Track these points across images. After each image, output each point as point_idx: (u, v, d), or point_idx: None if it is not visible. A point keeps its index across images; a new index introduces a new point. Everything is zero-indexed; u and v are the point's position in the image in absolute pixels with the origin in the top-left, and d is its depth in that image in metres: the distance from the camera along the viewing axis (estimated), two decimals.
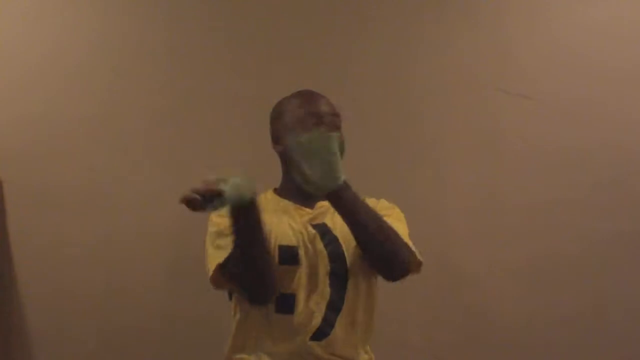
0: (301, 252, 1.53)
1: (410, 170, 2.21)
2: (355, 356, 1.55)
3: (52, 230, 2.18)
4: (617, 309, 2.20)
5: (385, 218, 1.52)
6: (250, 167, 2.10)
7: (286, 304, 1.51)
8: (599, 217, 2.22)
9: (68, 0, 2.28)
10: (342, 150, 1.46)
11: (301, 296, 1.51)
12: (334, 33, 2.29)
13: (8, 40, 2.24)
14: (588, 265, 2.21)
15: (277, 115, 1.64)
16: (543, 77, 2.29)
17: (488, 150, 2.25)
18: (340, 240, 1.56)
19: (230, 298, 1.63)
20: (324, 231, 1.57)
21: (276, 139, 1.63)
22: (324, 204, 1.57)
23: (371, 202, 1.57)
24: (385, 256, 1.51)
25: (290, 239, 1.54)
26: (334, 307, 1.52)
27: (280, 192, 1.65)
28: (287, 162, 1.59)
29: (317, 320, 1.51)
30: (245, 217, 1.43)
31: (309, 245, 1.54)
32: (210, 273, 1.52)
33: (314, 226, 1.57)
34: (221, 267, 1.50)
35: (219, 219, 1.54)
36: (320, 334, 1.50)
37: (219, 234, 1.53)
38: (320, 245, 1.55)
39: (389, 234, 1.50)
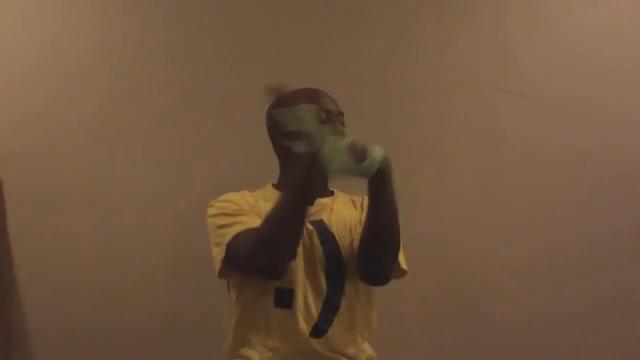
0: (299, 246, 1.53)
1: (410, 170, 2.21)
2: (356, 352, 1.55)
3: (52, 230, 2.19)
4: (617, 309, 2.20)
5: None
6: (250, 167, 2.11)
7: (285, 298, 1.51)
8: (599, 217, 2.23)
9: (68, 0, 2.28)
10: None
11: (299, 292, 1.51)
12: (334, 33, 2.29)
13: (8, 40, 2.25)
14: (588, 265, 2.21)
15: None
16: (543, 77, 2.29)
17: (488, 150, 2.25)
18: (337, 238, 1.56)
19: (230, 291, 1.62)
20: (320, 228, 1.57)
21: (282, 133, 1.60)
22: (322, 202, 1.58)
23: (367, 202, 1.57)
24: (382, 254, 1.50)
25: None
26: (331, 305, 1.52)
27: (279, 187, 1.65)
28: (292, 155, 1.60)
29: (314, 318, 1.50)
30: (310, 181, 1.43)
31: (307, 241, 1.54)
32: (224, 247, 1.49)
33: (311, 222, 1.57)
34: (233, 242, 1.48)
35: (224, 204, 1.55)
36: (318, 332, 1.50)
37: (229, 215, 1.52)
38: (316, 241, 1.55)
39: (398, 230, 1.50)
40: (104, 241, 2.19)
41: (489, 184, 2.25)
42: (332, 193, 1.66)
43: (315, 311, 1.51)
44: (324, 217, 1.58)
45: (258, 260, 1.45)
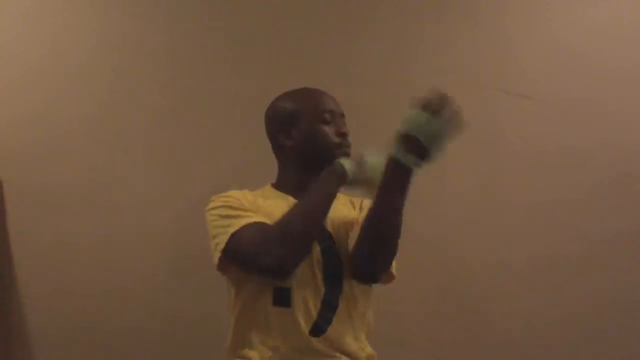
0: None
1: None
2: (356, 350, 1.55)
3: (52, 230, 2.18)
4: (617, 309, 2.19)
5: None
6: (250, 167, 2.11)
7: (283, 297, 1.50)
8: (599, 217, 2.22)
9: (68, 0, 2.28)
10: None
11: (297, 290, 1.50)
12: (334, 33, 2.29)
13: (8, 40, 2.25)
14: (588, 265, 2.21)
15: (281, 110, 1.63)
16: (543, 77, 2.29)
17: (488, 150, 2.25)
18: (334, 237, 1.56)
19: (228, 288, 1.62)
20: None
21: (285, 132, 1.61)
22: None
23: (367, 203, 1.57)
24: (380, 253, 1.49)
25: None
26: (329, 304, 1.52)
27: (278, 186, 1.65)
28: (292, 155, 1.60)
29: (313, 316, 1.50)
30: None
31: None
32: (226, 238, 1.47)
33: None
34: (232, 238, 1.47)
35: (227, 198, 1.54)
36: (318, 330, 1.50)
37: (233, 207, 1.51)
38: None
39: (398, 235, 1.49)
40: (104, 241, 2.19)
41: (489, 184, 2.25)
42: None
43: (314, 310, 1.50)
44: None
45: (268, 258, 1.42)
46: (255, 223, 1.47)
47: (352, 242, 1.55)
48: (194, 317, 2.15)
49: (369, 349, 1.59)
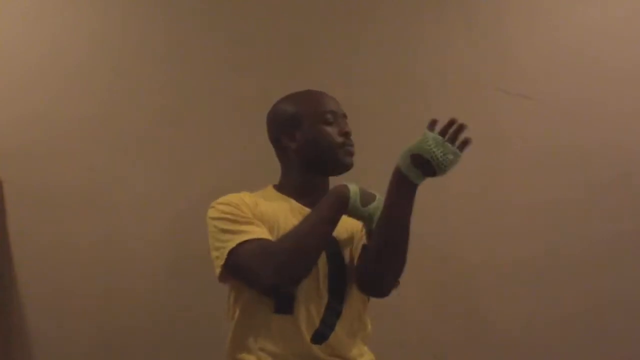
0: None
1: None
2: (357, 356, 1.55)
3: (52, 230, 2.18)
4: (617, 309, 2.20)
5: None
6: (250, 167, 2.11)
7: (286, 304, 1.50)
8: (599, 217, 2.23)
9: (68, 0, 2.28)
10: None
11: (301, 297, 1.49)
12: (334, 33, 2.29)
13: (8, 40, 2.25)
14: (588, 265, 2.21)
15: (283, 113, 1.63)
16: (543, 77, 2.29)
17: (488, 150, 2.25)
18: (339, 243, 1.56)
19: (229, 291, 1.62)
20: None
21: (288, 135, 1.61)
22: None
23: None
24: (389, 270, 1.49)
25: None
26: (333, 310, 1.52)
27: (280, 188, 1.65)
28: (296, 157, 1.60)
29: (315, 323, 1.50)
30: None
31: None
32: (226, 253, 1.46)
33: None
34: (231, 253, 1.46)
35: (227, 207, 1.52)
36: (319, 337, 1.50)
37: (232, 221, 1.50)
38: None
39: (406, 250, 1.48)
40: (104, 241, 2.18)
41: (489, 184, 2.25)
42: None
43: (316, 316, 1.50)
44: None
45: (270, 276, 1.42)
46: (256, 240, 1.46)
47: (356, 249, 1.55)
48: (194, 317, 2.15)
49: (369, 354, 1.59)
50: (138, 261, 2.18)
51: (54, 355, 2.16)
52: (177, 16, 2.28)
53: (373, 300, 1.61)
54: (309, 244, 1.45)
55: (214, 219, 1.53)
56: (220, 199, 1.56)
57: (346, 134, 1.60)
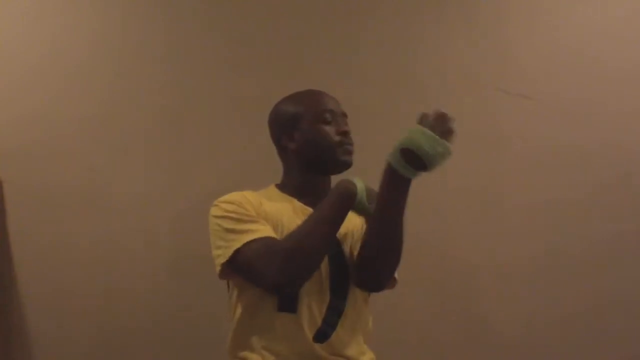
0: None
1: None
2: (358, 355, 1.55)
3: (52, 230, 2.18)
4: (617, 309, 2.20)
5: None
6: (250, 167, 2.11)
7: (289, 303, 1.50)
8: (599, 217, 2.23)
9: (68, 0, 2.28)
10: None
11: (304, 296, 1.49)
12: (334, 33, 2.29)
13: (8, 40, 2.25)
14: (588, 265, 2.21)
15: (283, 114, 1.63)
16: (543, 77, 2.29)
17: (488, 150, 2.25)
18: (340, 241, 1.56)
19: (229, 289, 1.61)
20: None
21: (287, 135, 1.62)
22: None
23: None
24: (384, 264, 1.50)
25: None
26: (335, 309, 1.52)
27: (283, 188, 1.65)
28: (296, 157, 1.60)
29: (317, 322, 1.50)
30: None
31: None
32: (230, 252, 1.46)
33: None
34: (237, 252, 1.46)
35: (231, 206, 1.52)
36: (321, 336, 1.50)
37: (237, 220, 1.50)
38: None
39: (401, 243, 1.48)
40: (104, 241, 2.18)
41: (489, 184, 2.25)
42: None
43: (318, 315, 1.50)
44: None
45: (276, 275, 1.42)
46: (261, 239, 1.46)
47: (356, 246, 1.55)
48: (194, 317, 2.15)
49: (370, 354, 1.59)
50: (138, 261, 2.18)
51: (54, 355, 2.16)
52: (177, 16, 2.28)
53: (373, 299, 1.62)
54: (311, 244, 1.44)
55: (217, 217, 1.53)
56: (224, 197, 1.56)
57: (344, 133, 1.59)
